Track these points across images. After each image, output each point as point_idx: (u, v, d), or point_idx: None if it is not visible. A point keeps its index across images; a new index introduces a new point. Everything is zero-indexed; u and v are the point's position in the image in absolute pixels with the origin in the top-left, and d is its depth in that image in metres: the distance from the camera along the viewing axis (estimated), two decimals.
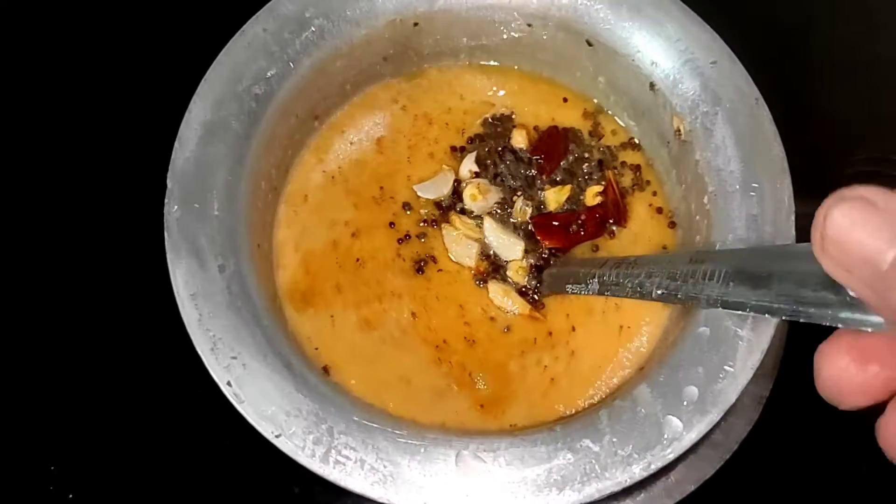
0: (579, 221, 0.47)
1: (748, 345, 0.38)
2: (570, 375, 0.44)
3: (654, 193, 0.49)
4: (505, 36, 0.49)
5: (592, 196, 0.48)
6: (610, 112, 0.51)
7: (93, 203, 0.53)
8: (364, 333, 0.45)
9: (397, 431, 0.37)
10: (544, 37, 0.49)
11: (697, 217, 0.44)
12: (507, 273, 0.46)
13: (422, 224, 0.47)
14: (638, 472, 0.36)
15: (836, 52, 0.60)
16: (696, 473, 0.46)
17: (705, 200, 0.43)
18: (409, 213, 0.48)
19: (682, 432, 0.37)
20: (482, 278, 0.46)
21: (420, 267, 0.46)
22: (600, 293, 0.41)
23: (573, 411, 0.43)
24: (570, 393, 0.44)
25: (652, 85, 0.46)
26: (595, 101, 0.51)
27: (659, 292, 0.37)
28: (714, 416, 0.37)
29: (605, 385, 0.44)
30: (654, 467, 0.36)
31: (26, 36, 0.59)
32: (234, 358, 0.38)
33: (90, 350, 0.49)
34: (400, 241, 0.47)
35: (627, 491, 0.39)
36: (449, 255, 0.47)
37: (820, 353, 0.28)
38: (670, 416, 0.37)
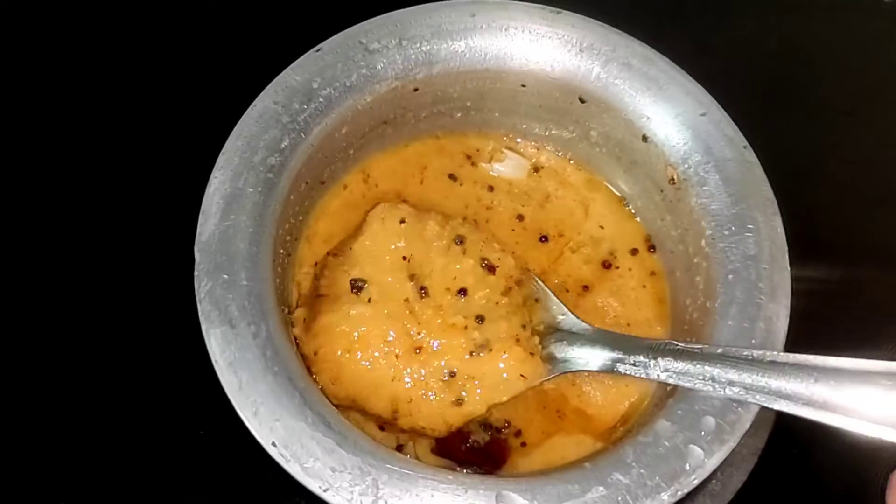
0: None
1: None
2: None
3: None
4: (500, 97, 0.56)
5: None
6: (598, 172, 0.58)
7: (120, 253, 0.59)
8: None
9: (437, 478, 0.42)
10: (536, 96, 0.56)
11: (696, 259, 0.50)
12: None
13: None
14: (667, 499, 0.42)
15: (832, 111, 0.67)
16: None
17: (703, 243, 0.50)
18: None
19: (703, 459, 0.43)
20: None
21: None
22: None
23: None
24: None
25: (644, 137, 0.53)
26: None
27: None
28: (732, 443, 0.43)
29: None
30: (680, 494, 0.42)
31: (47, 103, 0.65)
32: (277, 421, 0.42)
33: (103, 378, 0.54)
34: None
35: None
36: None
37: None
38: (692, 446, 0.43)
